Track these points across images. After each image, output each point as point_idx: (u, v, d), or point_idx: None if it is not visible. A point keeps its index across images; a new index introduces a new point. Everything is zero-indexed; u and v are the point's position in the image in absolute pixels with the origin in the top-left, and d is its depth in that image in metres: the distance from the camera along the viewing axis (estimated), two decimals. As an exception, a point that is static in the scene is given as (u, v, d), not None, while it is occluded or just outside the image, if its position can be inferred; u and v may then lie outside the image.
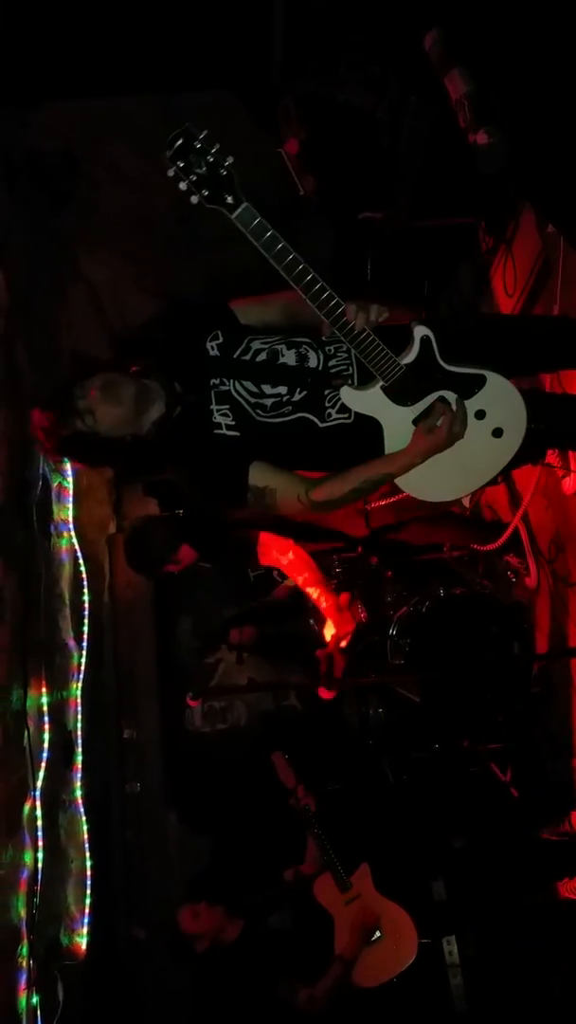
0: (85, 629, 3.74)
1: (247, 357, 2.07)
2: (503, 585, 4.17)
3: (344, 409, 2.07)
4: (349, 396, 2.02)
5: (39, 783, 2.90)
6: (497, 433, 2.10)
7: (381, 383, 1.99)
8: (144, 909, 3.99)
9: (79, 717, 3.54)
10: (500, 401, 2.08)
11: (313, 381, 2.07)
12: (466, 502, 4.15)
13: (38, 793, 2.88)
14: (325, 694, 3.49)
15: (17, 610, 2.88)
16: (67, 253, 4.02)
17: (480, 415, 2.07)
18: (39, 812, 2.87)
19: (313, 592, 3.55)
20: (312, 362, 2.09)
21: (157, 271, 4.21)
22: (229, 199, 1.70)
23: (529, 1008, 3.37)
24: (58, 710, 3.29)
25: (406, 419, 2.03)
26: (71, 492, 3.68)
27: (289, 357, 2.08)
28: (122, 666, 4.35)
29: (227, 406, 2.03)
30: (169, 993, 3.84)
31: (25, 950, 2.67)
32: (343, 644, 3.47)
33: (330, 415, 2.07)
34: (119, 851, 4.03)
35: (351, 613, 3.60)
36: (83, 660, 3.67)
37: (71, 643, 3.60)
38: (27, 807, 2.83)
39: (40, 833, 2.87)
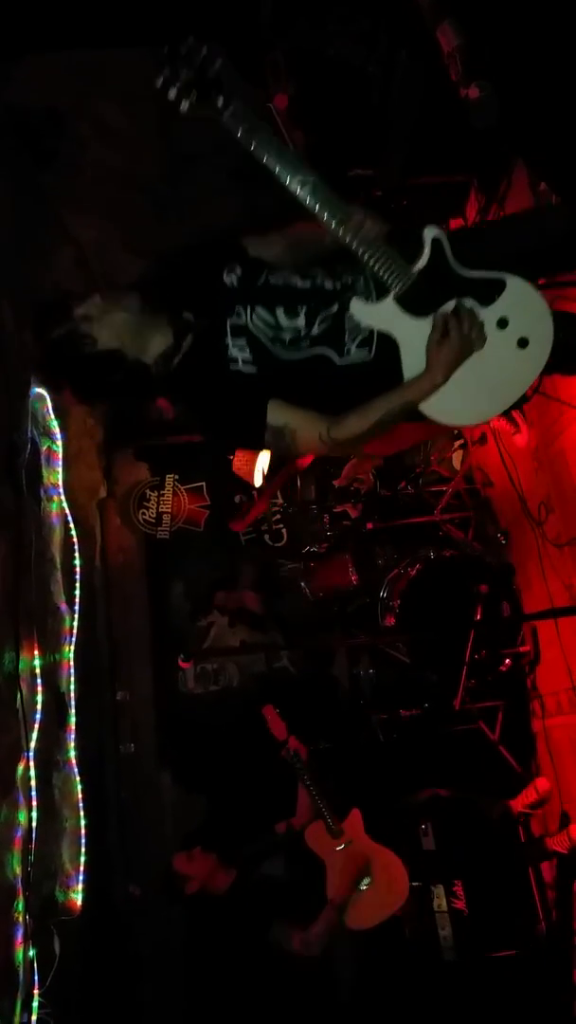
0: (77, 593, 3.74)
1: (264, 284, 1.95)
2: (493, 547, 4.19)
3: (364, 343, 1.93)
4: (361, 310, 1.89)
5: (32, 744, 2.93)
6: (523, 343, 1.91)
7: (394, 293, 1.86)
8: (139, 867, 4.06)
9: (72, 679, 3.56)
10: (523, 307, 1.90)
11: (330, 302, 1.93)
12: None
13: (31, 754, 2.91)
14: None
15: (8, 573, 2.88)
16: (52, 212, 3.94)
17: (502, 324, 1.90)
18: (32, 772, 2.90)
19: None
20: (328, 286, 1.95)
21: (144, 231, 4.14)
22: (219, 101, 1.58)
23: (515, 958, 3.46)
24: (51, 672, 3.31)
25: (423, 332, 1.88)
26: (60, 456, 3.66)
27: (304, 284, 1.95)
28: (115, 629, 4.37)
29: (243, 339, 1.90)
30: (164, 943, 3.93)
31: (21, 906, 2.72)
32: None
33: (349, 351, 1.93)
34: (113, 810, 4.08)
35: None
36: (75, 623, 3.68)
37: (63, 607, 3.60)
38: (20, 767, 2.86)
39: (34, 793, 2.90)
